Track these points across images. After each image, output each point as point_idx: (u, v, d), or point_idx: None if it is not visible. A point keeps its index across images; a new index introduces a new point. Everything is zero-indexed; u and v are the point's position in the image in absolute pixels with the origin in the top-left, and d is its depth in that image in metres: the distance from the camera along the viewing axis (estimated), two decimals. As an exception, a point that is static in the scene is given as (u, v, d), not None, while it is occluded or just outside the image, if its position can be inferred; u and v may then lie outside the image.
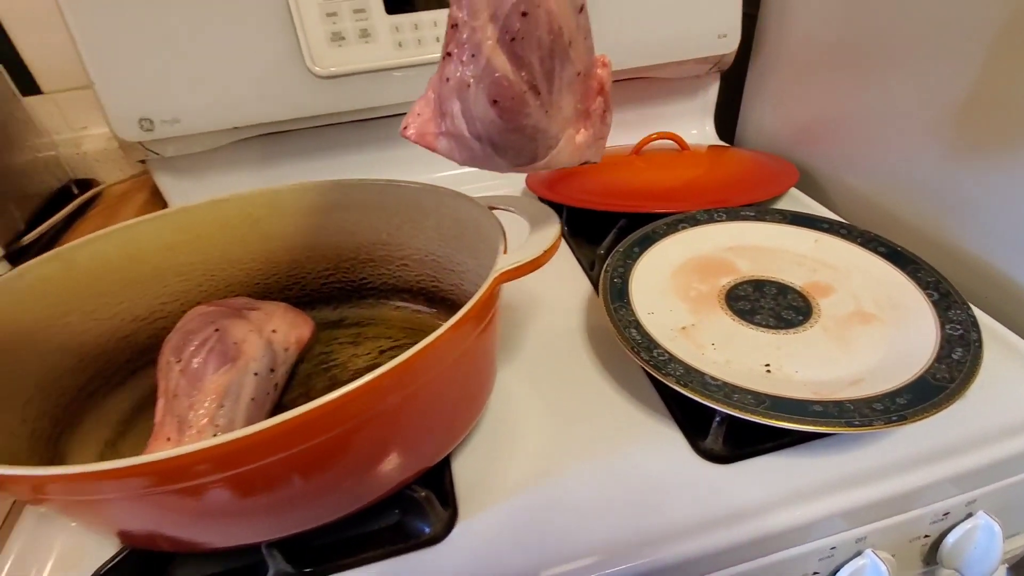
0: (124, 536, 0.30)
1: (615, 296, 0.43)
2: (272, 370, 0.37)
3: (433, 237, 0.41)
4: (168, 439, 0.32)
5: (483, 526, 0.33)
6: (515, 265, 0.30)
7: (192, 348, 0.35)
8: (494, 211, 0.36)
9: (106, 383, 0.39)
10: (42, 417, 0.34)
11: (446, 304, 0.44)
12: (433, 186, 0.39)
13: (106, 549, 0.33)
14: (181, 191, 0.67)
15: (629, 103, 0.74)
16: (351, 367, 0.41)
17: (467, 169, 0.30)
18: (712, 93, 0.76)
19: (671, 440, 0.37)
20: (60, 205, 0.64)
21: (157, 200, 0.71)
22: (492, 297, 0.29)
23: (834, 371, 0.37)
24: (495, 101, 0.24)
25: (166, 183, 0.66)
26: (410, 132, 0.28)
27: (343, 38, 0.57)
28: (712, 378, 0.36)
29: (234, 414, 0.34)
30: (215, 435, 0.33)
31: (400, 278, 0.45)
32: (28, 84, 0.66)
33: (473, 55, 0.24)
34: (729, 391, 0.35)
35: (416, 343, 0.25)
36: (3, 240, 0.53)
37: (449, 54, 0.25)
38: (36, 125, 0.64)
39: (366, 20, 0.57)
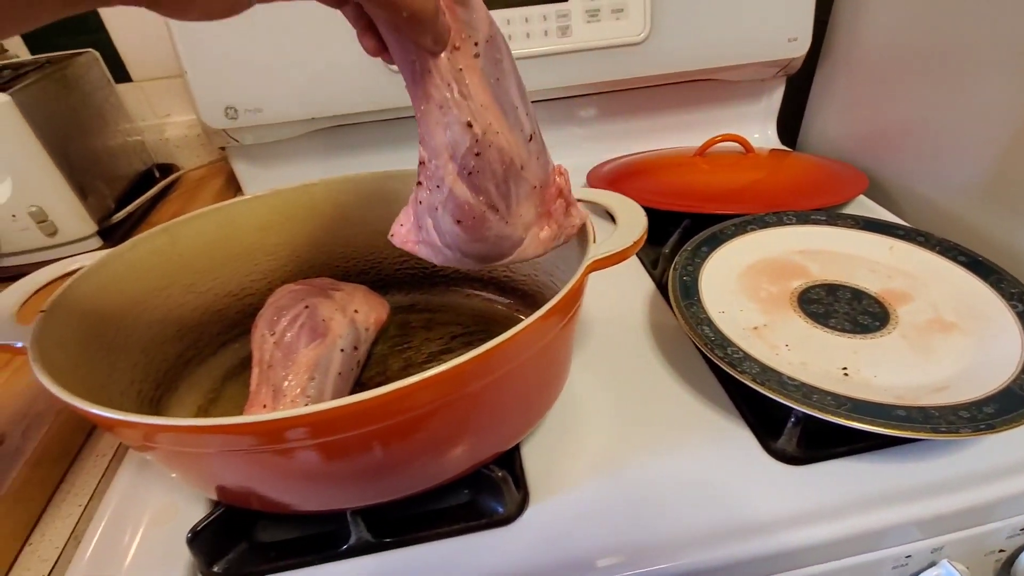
0: (220, 491, 0.31)
1: (684, 294, 0.43)
2: (355, 348, 0.39)
3: (510, 228, 0.42)
4: (264, 406, 0.34)
5: (554, 511, 0.34)
6: (606, 254, 0.31)
7: (284, 323, 0.37)
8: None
9: (199, 353, 0.41)
10: (146, 379, 0.37)
11: (517, 294, 0.45)
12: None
13: (196, 508, 0.35)
14: (255, 178, 0.70)
15: (692, 104, 0.74)
16: (425, 350, 0.43)
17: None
18: (776, 97, 0.75)
19: (740, 439, 0.37)
20: (143, 187, 0.67)
21: (231, 186, 0.75)
22: (582, 285, 0.30)
23: (915, 377, 0.36)
24: (459, 221, 0.29)
25: (242, 170, 0.69)
26: (395, 239, 0.33)
27: (419, 34, 0.59)
28: (789, 378, 0.36)
29: (323, 387, 0.35)
30: (306, 405, 0.34)
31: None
32: (120, 72, 0.70)
33: (438, 186, 0.28)
34: (808, 391, 0.35)
35: (486, 331, 0.26)
36: (96, 217, 0.57)
37: (420, 183, 0.29)
38: (126, 111, 0.68)
39: (443, 17, 0.59)
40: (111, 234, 0.59)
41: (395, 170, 0.43)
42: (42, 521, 0.36)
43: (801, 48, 0.66)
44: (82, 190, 0.55)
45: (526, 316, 0.44)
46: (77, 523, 0.35)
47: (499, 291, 0.46)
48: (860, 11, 0.66)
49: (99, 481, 0.38)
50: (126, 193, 0.65)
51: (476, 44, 0.25)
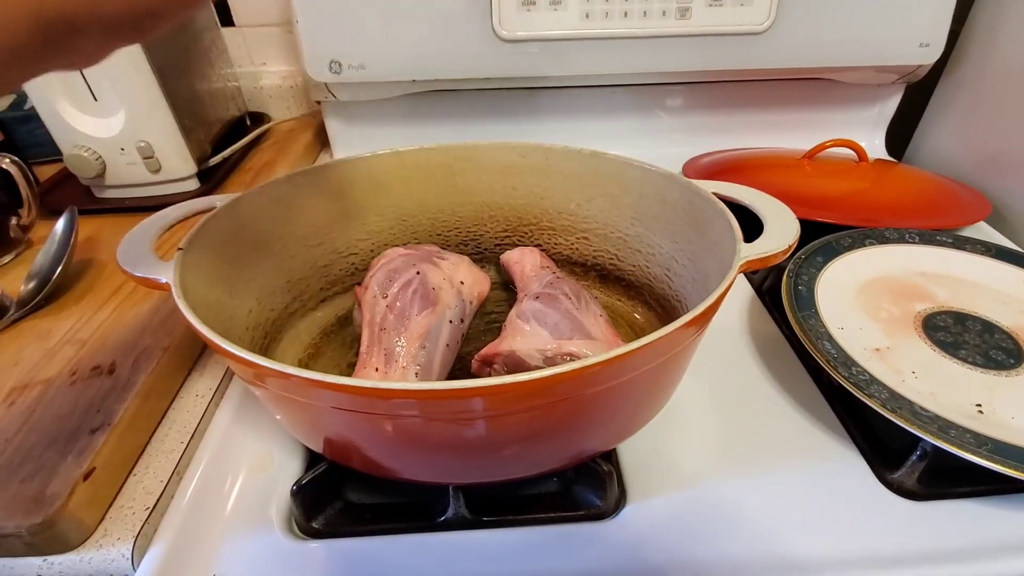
0: (328, 444, 0.31)
1: (801, 304, 0.41)
2: (461, 320, 0.38)
3: (628, 215, 0.41)
4: (376, 369, 0.33)
5: (651, 513, 0.33)
6: (762, 255, 0.29)
7: (397, 287, 0.36)
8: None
9: (303, 307, 0.41)
10: (258, 328, 0.37)
11: (621, 283, 0.44)
12: (644, 163, 0.39)
13: (292, 459, 0.36)
14: (345, 136, 0.70)
15: (800, 104, 0.71)
16: (524, 329, 0.42)
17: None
18: (892, 105, 0.71)
19: (850, 464, 0.35)
20: (235, 134, 0.68)
21: (320, 141, 0.75)
22: (730, 287, 0.28)
23: (1060, 424, 0.34)
24: None
25: (334, 126, 0.69)
26: None
27: (533, 3, 0.57)
28: (922, 408, 0.34)
29: (432, 356, 0.35)
30: (416, 373, 0.34)
31: (576, 250, 0.45)
32: (225, 15, 0.70)
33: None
34: (943, 425, 0.32)
35: None
36: (195, 158, 0.57)
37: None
38: (228, 56, 0.68)
39: (562, -13, 0.56)
40: (207, 177, 0.59)
41: (515, 142, 0.42)
42: (146, 453, 0.36)
43: (932, 55, 0.62)
44: (186, 131, 0.56)
45: (627, 307, 0.44)
46: (180, 460, 0.36)
47: (600, 278, 0.45)
48: (999, 23, 0.61)
49: (199, 421, 0.38)
50: (220, 138, 0.65)
51: None
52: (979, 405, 0.35)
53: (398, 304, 0.36)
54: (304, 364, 0.40)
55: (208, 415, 0.39)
